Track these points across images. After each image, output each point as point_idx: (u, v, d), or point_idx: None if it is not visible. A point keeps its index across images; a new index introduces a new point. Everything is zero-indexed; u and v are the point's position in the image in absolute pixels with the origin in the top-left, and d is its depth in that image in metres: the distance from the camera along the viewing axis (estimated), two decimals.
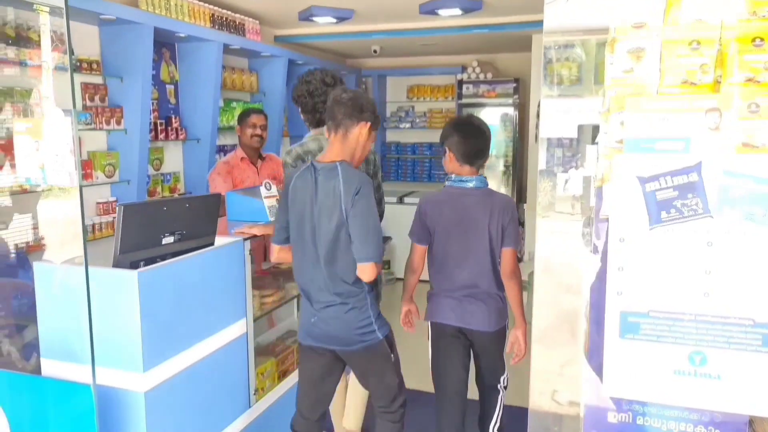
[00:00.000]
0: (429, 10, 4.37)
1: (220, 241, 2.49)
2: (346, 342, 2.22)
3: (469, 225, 2.39)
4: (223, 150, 4.76)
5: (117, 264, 2.07)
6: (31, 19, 3.16)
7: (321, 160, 2.21)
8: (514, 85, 6.26)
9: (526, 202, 6.20)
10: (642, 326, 1.23)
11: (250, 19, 4.68)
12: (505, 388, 2.61)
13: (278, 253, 2.35)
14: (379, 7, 4.56)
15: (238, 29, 4.53)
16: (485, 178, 2.48)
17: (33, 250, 3.10)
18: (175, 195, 4.30)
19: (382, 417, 2.40)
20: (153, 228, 2.17)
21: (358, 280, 2.16)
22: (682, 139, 1.18)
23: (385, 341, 2.27)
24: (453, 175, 2.45)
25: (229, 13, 4.41)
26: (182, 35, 3.90)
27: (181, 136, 4.25)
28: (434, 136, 7.22)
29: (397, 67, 7.14)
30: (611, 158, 1.24)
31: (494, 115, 6.52)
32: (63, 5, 1.52)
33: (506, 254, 2.39)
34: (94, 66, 3.54)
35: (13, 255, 3.06)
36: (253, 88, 5.19)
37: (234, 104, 4.90)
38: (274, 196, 3.02)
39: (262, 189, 2.97)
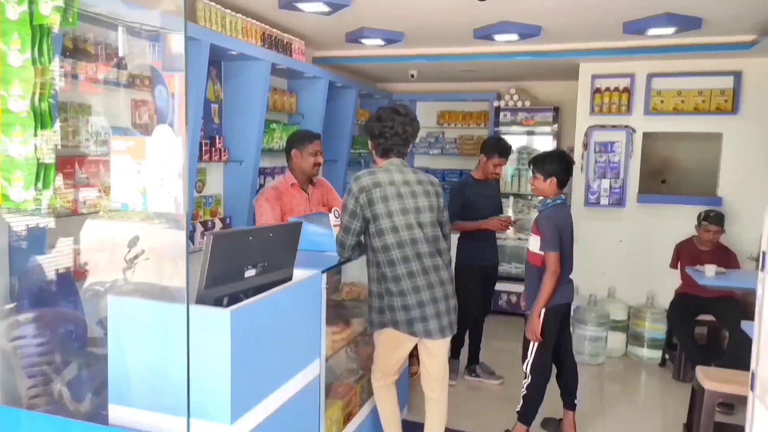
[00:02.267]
0: (485, 35, 4.24)
1: (297, 274, 2.29)
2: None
3: (571, 230, 3.38)
4: (263, 173, 4.58)
5: (200, 300, 1.86)
6: (89, 31, 3.01)
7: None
8: (553, 113, 6.12)
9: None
10: None
11: (297, 39, 4.54)
12: None
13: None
14: (431, 31, 4.42)
15: (286, 49, 4.39)
16: None
17: (78, 276, 2.89)
18: (216, 219, 4.10)
19: None
20: (238, 260, 1.97)
21: None
22: None
23: None
24: (560, 196, 3.36)
25: (278, 32, 4.27)
26: (234, 53, 3.74)
27: (224, 158, 4.07)
28: (464, 163, 7.09)
29: (428, 92, 7.01)
30: None
31: (528, 143, 6.41)
32: (182, 32, 1.37)
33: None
34: (146, 82, 3.36)
35: (57, 280, 2.84)
36: (293, 109, 5.03)
37: (273, 125, 4.73)
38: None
39: (332, 217, 2.78)
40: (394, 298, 2.63)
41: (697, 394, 3.24)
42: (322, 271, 2.37)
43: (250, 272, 2.03)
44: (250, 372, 1.86)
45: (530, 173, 3.43)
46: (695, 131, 5.09)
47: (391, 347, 2.74)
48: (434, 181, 2.84)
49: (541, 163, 3.33)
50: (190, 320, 1.69)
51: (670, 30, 3.95)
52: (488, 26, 4.15)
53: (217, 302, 1.89)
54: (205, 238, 1.81)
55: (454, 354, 4.38)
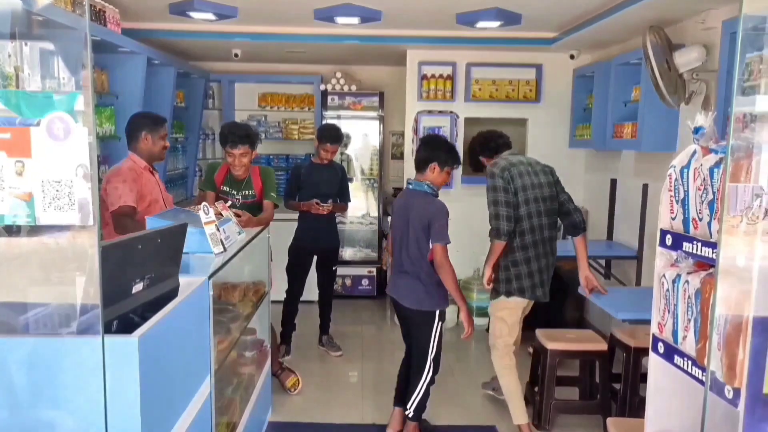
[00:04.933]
0: (326, 17, 4.12)
1: (182, 282, 1.98)
2: None
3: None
4: None
5: (85, 328, 1.51)
6: None
7: None
8: (379, 98, 6.26)
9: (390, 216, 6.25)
10: None
11: (111, 7, 3.91)
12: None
13: None
14: (269, 8, 4.16)
15: (99, 17, 3.75)
16: None
17: None
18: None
19: None
20: (126, 274, 1.64)
21: None
22: None
23: None
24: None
25: None
26: (41, 18, 3.07)
27: None
28: (291, 148, 6.90)
29: (248, 72, 6.64)
30: None
31: (355, 127, 6.47)
32: None
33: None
34: None
35: None
36: (104, 88, 4.34)
37: None
38: (212, 222, 2.53)
39: (201, 214, 2.47)
40: (520, 266, 3.27)
41: (540, 353, 3.63)
42: (208, 277, 2.09)
43: (137, 287, 1.70)
44: (156, 407, 1.56)
45: None
46: (507, 117, 5.64)
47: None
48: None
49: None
50: (76, 352, 1.35)
51: (497, 24, 4.27)
52: (330, 7, 4.04)
53: (107, 327, 1.54)
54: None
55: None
